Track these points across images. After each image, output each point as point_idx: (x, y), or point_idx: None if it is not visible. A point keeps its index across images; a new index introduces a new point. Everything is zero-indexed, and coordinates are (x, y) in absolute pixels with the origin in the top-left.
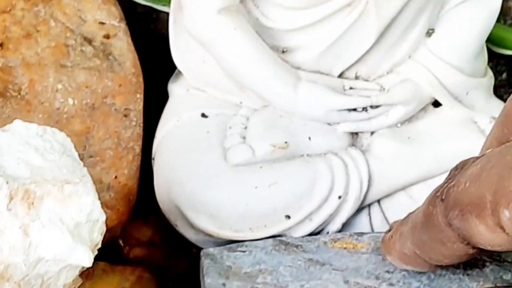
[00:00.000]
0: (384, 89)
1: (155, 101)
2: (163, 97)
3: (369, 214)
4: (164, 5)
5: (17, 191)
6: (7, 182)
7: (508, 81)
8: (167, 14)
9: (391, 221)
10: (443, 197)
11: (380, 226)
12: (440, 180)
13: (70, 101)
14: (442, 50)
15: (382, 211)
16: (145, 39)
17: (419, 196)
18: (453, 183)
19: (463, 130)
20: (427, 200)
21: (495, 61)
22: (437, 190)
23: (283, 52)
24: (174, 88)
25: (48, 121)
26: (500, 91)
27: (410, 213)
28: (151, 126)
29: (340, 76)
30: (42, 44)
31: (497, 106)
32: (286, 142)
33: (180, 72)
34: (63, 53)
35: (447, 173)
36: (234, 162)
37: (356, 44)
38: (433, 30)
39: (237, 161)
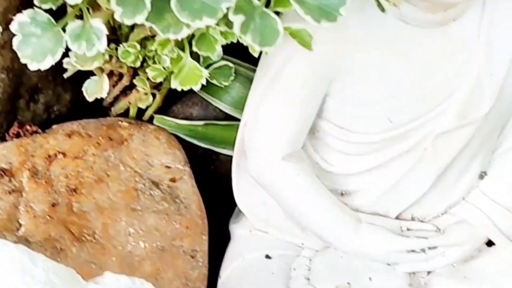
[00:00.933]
0: (439, 230)
1: (216, 240)
2: (224, 236)
3: None
4: (223, 148)
5: None
6: None
7: None
8: (226, 155)
9: None
10: None
11: None
12: None
13: (141, 244)
14: (495, 192)
15: None
16: (206, 179)
17: None
18: None
19: None
20: None
21: None
22: None
23: (342, 194)
24: (236, 229)
25: (121, 264)
26: None
27: None
28: (212, 265)
29: (397, 217)
30: (113, 189)
31: None
32: (348, 283)
33: (240, 212)
34: (133, 197)
35: None
36: None
37: (413, 187)
38: (485, 173)
39: None
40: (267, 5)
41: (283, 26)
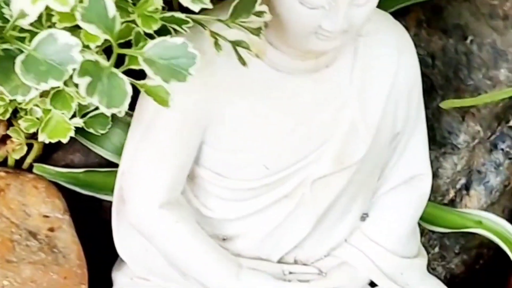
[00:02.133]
0: (322, 272)
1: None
2: (108, 285)
3: None
4: (106, 194)
5: None
6: None
7: (440, 254)
8: (110, 202)
9: None
10: None
11: None
12: None
13: None
14: (376, 234)
15: None
16: (89, 227)
17: None
18: None
19: None
20: None
21: (428, 236)
22: None
23: (223, 240)
24: (118, 277)
25: None
26: (433, 264)
27: None
28: None
29: (279, 261)
30: None
31: (431, 284)
32: None
33: (123, 260)
34: (8, 248)
35: None
36: None
37: (293, 231)
38: (367, 214)
39: None
40: (121, 64)
41: (140, 83)
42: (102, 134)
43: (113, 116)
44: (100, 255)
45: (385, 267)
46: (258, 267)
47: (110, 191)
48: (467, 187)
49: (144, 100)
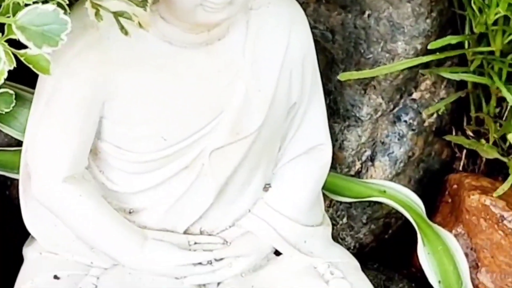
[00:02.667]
0: (227, 242)
1: (12, 267)
2: (21, 261)
3: None
4: (16, 173)
5: None
6: None
7: (349, 224)
8: None
9: None
10: None
11: None
12: None
13: None
14: (278, 203)
15: None
16: (1, 205)
17: None
18: None
19: (303, 276)
20: None
21: (335, 207)
22: None
23: (130, 213)
24: (28, 252)
25: None
26: (342, 234)
27: None
28: None
29: (185, 232)
30: None
31: (334, 252)
32: None
33: (33, 236)
34: None
35: None
36: None
37: (197, 203)
38: (269, 185)
39: None
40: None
41: (20, 52)
42: (7, 112)
43: (20, 96)
44: (12, 232)
45: (288, 235)
46: (164, 238)
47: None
48: (372, 158)
49: (43, 78)
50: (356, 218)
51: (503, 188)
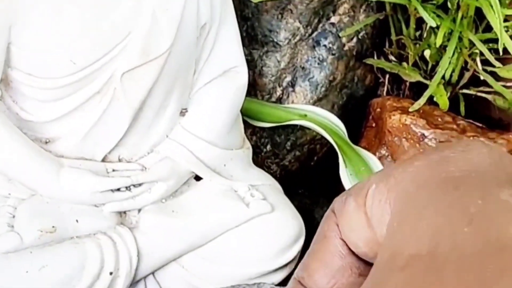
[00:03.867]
0: (145, 168)
1: None
2: None
3: (146, 285)
4: None
5: None
6: None
7: (273, 151)
8: None
9: None
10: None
11: None
12: (208, 248)
13: None
14: (195, 127)
15: (158, 283)
16: None
17: (190, 265)
18: None
19: (223, 199)
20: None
21: (259, 134)
22: None
23: (46, 143)
24: None
25: None
26: (267, 162)
27: None
28: None
29: (104, 160)
30: None
31: (254, 174)
32: (53, 227)
33: None
34: None
35: (214, 242)
36: (2, 250)
37: (112, 129)
38: (186, 109)
39: (6, 249)
40: None
41: None
42: None
43: None
44: None
45: (207, 159)
46: (81, 166)
47: None
48: (292, 84)
49: None
50: (280, 145)
51: (419, 103)
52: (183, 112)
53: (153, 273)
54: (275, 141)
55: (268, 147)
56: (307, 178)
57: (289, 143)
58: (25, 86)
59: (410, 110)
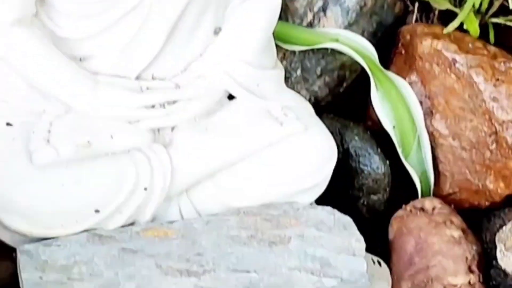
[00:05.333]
0: (179, 86)
1: None
2: None
3: (179, 204)
4: None
5: None
6: None
7: (303, 76)
8: None
9: (199, 209)
10: None
11: (190, 215)
12: (242, 166)
13: None
14: (229, 46)
15: (191, 201)
16: None
17: (225, 184)
18: None
19: (257, 118)
20: None
21: (289, 59)
22: None
23: (81, 60)
24: None
25: None
26: (297, 87)
27: None
28: None
29: (138, 78)
30: None
31: (287, 96)
32: (88, 142)
33: None
34: None
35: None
36: (39, 163)
37: (146, 46)
38: (220, 28)
39: (42, 162)
40: None
41: None
42: None
43: None
44: None
45: (240, 78)
46: (115, 83)
47: None
48: (323, 8)
49: None
50: (310, 70)
51: (452, 25)
52: (216, 31)
53: (186, 193)
54: (305, 66)
55: (298, 72)
56: (336, 105)
57: (319, 68)
58: (59, 1)
59: (444, 31)
